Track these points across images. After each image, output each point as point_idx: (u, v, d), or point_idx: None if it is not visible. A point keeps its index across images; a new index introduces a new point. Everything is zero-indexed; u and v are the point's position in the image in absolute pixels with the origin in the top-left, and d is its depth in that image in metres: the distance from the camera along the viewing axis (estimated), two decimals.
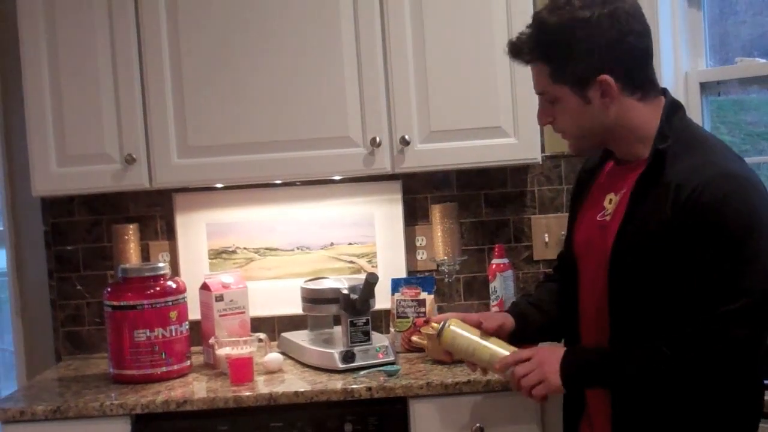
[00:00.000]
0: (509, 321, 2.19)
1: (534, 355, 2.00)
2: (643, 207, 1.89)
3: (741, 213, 1.79)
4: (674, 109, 1.96)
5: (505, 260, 3.03)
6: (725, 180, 1.81)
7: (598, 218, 2.01)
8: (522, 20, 2.31)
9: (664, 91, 2.00)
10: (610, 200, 1.99)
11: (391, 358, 2.76)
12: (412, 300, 2.96)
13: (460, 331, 2.14)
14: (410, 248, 3.21)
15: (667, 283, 1.86)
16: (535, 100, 2.08)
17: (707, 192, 1.80)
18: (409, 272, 3.18)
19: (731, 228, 1.79)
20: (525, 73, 2.10)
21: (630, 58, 1.89)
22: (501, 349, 2.09)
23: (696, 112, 3.07)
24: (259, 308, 3.13)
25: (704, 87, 3.08)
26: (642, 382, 1.89)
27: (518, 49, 1.97)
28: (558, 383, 1.95)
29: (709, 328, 1.81)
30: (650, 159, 1.90)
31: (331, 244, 3.20)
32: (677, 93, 3.07)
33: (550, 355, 1.98)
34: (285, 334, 3.07)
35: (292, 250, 3.21)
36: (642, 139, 1.94)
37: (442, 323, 2.16)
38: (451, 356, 2.39)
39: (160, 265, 2.89)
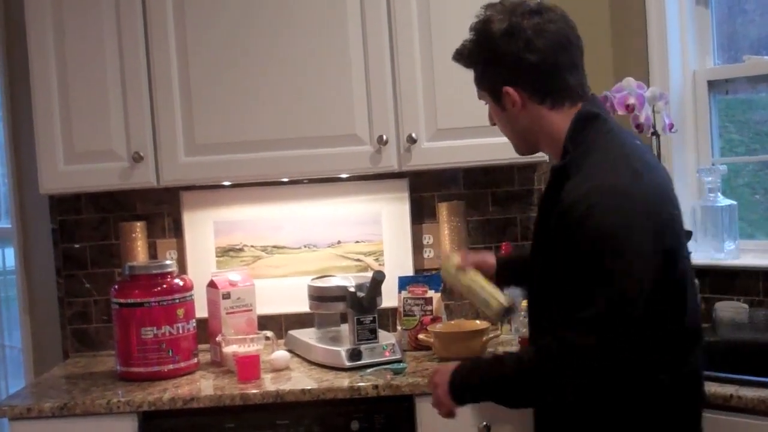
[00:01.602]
0: (490, 260, 2.38)
1: (430, 380, 2.11)
2: (543, 220, 1.98)
3: (601, 226, 1.79)
4: (584, 120, 1.95)
5: None
6: (595, 193, 1.81)
7: None
8: None
9: (592, 98, 2.01)
10: None
11: (398, 356, 2.76)
12: (419, 298, 2.95)
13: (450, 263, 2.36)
14: (417, 246, 3.21)
15: (549, 289, 1.93)
16: None
17: (576, 206, 1.82)
18: (416, 270, 3.18)
19: (591, 240, 1.79)
20: None
21: (530, 72, 1.94)
22: (478, 287, 2.27)
23: (704, 111, 3.07)
24: (266, 306, 3.13)
25: (712, 85, 3.07)
26: (510, 393, 1.96)
27: (459, 54, 2.06)
28: (449, 403, 2.04)
29: (559, 336, 1.83)
30: (549, 177, 1.98)
31: (338, 242, 3.21)
32: (685, 91, 3.07)
33: (441, 377, 2.05)
34: (292, 332, 3.07)
35: (299, 248, 3.21)
36: (558, 146, 1.98)
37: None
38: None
39: (168, 262, 2.89)
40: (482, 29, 1.98)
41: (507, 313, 2.27)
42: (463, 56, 2.05)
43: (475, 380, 2.00)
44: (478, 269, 2.32)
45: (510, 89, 1.96)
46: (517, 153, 2.12)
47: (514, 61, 1.93)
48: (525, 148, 2.08)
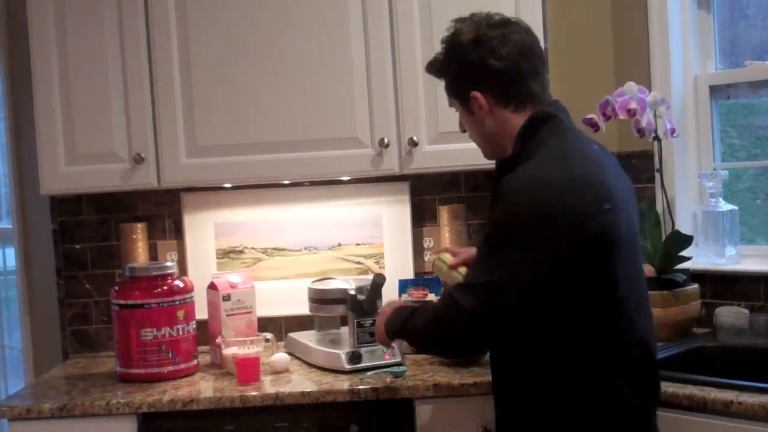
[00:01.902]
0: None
1: (378, 314, 2.45)
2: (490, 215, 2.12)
3: (512, 209, 1.96)
4: (537, 120, 2.07)
5: None
6: (518, 181, 1.98)
7: None
8: (531, 21, 2.30)
9: (554, 103, 2.13)
10: None
11: (398, 360, 2.75)
12: (420, 301, 2.95)
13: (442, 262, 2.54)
14: (418, 249, 3.21)
15: None
16: None
17: (502, 192, 2.00)
18: (417, 273, 3.18)
19: (500, 219, 1.99)
20: None
21: (495, 78, 2.08)
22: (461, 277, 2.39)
23: (705, 116, 3.07)
24: (267, 308, 3.13)
25: (714, 90, 3.07)
26: (416, 341, 2.31)
27: (431, 65, 2.23)
28: (383, 335, 2.35)
29: (448, 295, 2.08)
30: (495, 170, 2.13)
31: (339, 244, 3.21)
32: (686, 96, 3.06)
33: (387, 308, 2.37)
34: (292, 334, 3.07)
35: (300, 250, 3.21)
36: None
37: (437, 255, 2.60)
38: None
39: (168, 264, 2.89)
40: (452, 40, 2.14)
41: None
42: (435, 67, 2.22)
43: (398, 324, 2.27)
44: (468, 265, 2.39)
45: (477, 94, 2.10)
46: (484, 156, 2.23)
47: (480, 67, 2.08)
48: (490, 151, 2.20)
